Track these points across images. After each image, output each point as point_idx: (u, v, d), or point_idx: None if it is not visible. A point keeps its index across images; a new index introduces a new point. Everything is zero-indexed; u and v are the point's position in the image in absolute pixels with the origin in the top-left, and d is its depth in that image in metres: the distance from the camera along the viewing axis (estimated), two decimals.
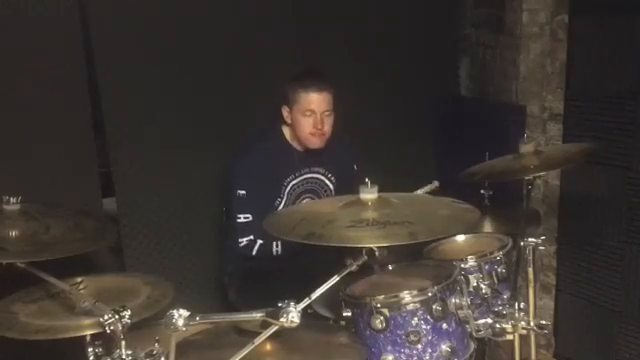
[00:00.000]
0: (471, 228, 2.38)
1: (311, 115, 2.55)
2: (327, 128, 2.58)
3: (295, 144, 2.67)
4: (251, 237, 2.53)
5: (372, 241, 1.62)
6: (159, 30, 2.78)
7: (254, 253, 2.54)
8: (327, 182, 2.77)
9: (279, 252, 2.54)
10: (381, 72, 3.38)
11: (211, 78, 2.93)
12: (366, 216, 1.72)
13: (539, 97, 3.34)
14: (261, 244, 2.53)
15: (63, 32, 2.58)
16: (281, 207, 2.64)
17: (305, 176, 2.71)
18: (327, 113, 2.57)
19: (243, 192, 2.54)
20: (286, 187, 2.66)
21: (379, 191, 1.79)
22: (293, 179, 2.68)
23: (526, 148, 2.39)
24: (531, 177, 2.34)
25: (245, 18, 2.99)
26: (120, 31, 2.70)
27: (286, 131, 2.68)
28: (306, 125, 2.56)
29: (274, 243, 2.53)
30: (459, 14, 3.70)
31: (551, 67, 3.28)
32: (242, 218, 2.53)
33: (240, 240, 2.54)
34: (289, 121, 2.62)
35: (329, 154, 2.70)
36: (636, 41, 2.84)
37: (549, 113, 3.32)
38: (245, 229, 2.53)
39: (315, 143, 2.60)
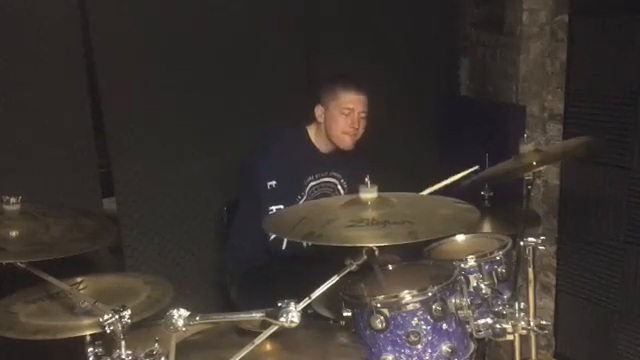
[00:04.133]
0: (471, 228, 2.38)
1: (349, 114, 2.57)
2: (361, 130, 2.61)
3: (319, 145, 2.68)
4: None
5: (372, 241, 1.62)
6: (159, 30, 2.78)
7: (284, 247, 2.48)
8: (339, 187, 2.78)
9: (309, 244, 2.39)
10: (381, 72, 3.37)
11: (211, 78, 2.93)
12: (366, 216, 1.72)
13: (539, 97, 3.34)
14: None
15: (63, 32, 2.58)
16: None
17: (324, 179, 2.72)
18: (363, 115, 2.60)
19: (274, 183, 2.51)
20: (306, 186, 2.66)
21: (379, 191, 1.79)
22: (313, 180, 2.68)
23: (526, 148, 2.39)
24: (531, 176, 2.34)
25: (246, 18, 2.99)
26: (120, 31, 2.70)
27: (311, 131, 2.69)
28: (342, 123, 2.58)
29: None
30: (459, 14, 3.70)
31: (551, 67, 3.28)
32: (274, 209, 2.45)
33: (271, 234, 2.41)
34: (321, 120, 2.63)
35: (348, 161, 2.70)
36: (636, 41, 2.84)
37: (549, 113, 3.32)
38: None
39: (346, 143, 2.61)
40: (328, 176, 2.73)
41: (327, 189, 2.75)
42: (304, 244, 2.44)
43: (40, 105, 2.56)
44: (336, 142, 2.63)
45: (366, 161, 2.77)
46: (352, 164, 2.71)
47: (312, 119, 2.66)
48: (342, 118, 2.58)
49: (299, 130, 2.69)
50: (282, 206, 2.44)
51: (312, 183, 2.68)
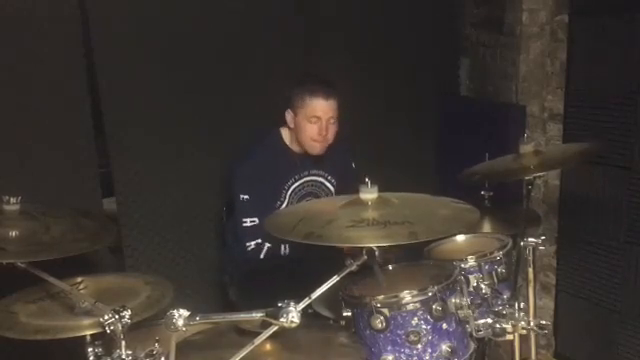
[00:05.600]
0: (471, 228, 2.38)
1: (317, 122, 2.54)
2: (330, 136, 2.58)
3: (294, 147, 2.67)
4: (259, 241, 2.53)
5: (372, 241, 1.62)
6: (159, 30, 2.78)
7: (262, 256, 2.54)
8: (327, 184, 2.77)
9: (287, 253, 2.53)
10: (381, 72, 3.38)
11: (211, 78, 2.93)
12: (366, 216, 1.72)
13: (539, 97, 3.34)
14: (269, 247, 2.53)
15: (63, 32, 2.58)
16: None
17: (305, 179, 2.71)
18: (332, 120, 2.57)
19: (246, 197, 2.54)
20: (287, 190, 2.66)
21: (379, 191, 1.79)
22: (294, 182, 2.68)
23: (526, 148, 2.40)
24: (531, 177, 2.34)
25: (245, 18, 2.99)
26: (120, 31, 2.70)
27: (285, 133, 2.67)
28: (310, 131, 2.56)
29: (282, 246, 2.53)
30: (459, 14, 3.70)
31: (551, 67, 3.29)
32: (248, 222, 2.53)
33: (248, 244, 2.54)
34: (292, 125, 2.62)
35: (328, 156, 2.69)
36: (636, 41, 2.84)
37: (549, 113, 3.32)
38: (252, 233, 2.52)
39: (316, 149, 2.60)
40: (310, 175, 2.72)
41: (313, 188, 2.74)
42: (282, 251, 2.53)
43: (40, 105, 2.56)
44: (306, 148, 2.61)
45: (346, 149, 2.78)
46: (332, 157, 2.71)
47: (284, 122, 2.65)
48: (309, 126, 2.55)
49: (273, 135, 2.67)
50: (256, 219, 2.51)
51: (294, 186, 2.68)
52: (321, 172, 2.75)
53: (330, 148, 2.65)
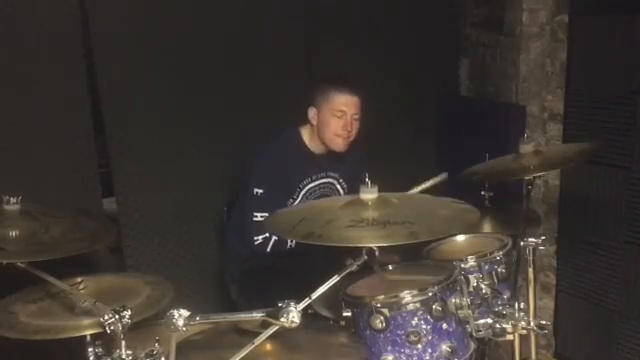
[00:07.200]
0: (471, 228, 2.38)
1: (342, 116, 2.55)
2: (354, 132, 2.59)
3: (313, 146, 2.67)
4: (266, 235, 2.52)
5: (372, 241, 1.62)
6: (159, 30, 2.78)
7: (269, 250, 2.53)
8: (338, 187, 2.78)
9: (292, 246, 2.52)
10: (381, 72, 3.38)
11: (211, 78, 2.93)
12: (366, 216, 1.72)
13: (539, 97, 3.34)
14: (276, 240, 2.52)
15: (63, 32, 2.58)
16: None
17: (322, 180, 2.71)
18: (356, 117, 2.58)
19: (261, 191, 2.53)
20: (302, 189, 2.66)
21: (379, 191, 1.79)
22: (309, 182, 2.67)
23: (526, 148, 2.40)
24: (531, 177, 2.34)
25: (246, 18, 2.99)
26: (120, 31, 2.70)
27: (304, 133, 2.67)
28: (334, 125, 2.56)
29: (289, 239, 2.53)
30: (459, 14, 3.70)
31: (551, 67, 3.29)
32: (259, 217, 2.51)
33: (255, 238, 2.53)
34: (314, 122, 2.61)
35: (344, 161, 2.70)
36: (636, 41, 2.84)
37: (549, 113, 3.32)
38: (261, 227, 2.51)
39: (339, 145, 2.60)
40: (326, 177, 2.72)
41: (326, 190, 2.74)
42: (288, 244, 2.51)
43: (40, 105, 2.56)
44: (328, 144, 2.61)
45: (363, 159, 2.78)
46: (348, 163, 2.71)
47: (306, 120, 2.65)
48: (334, 120, 2.55)
49: (292, 133, 2.67)
50: (267, 214, 2.47)
51: (309, 185, 2.67)
52: (336, 175, 2.75)
53: (350, 151, 2.65)
